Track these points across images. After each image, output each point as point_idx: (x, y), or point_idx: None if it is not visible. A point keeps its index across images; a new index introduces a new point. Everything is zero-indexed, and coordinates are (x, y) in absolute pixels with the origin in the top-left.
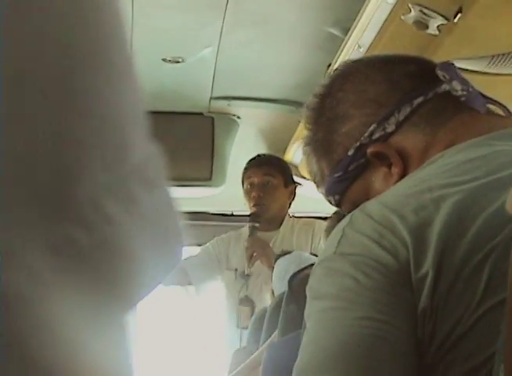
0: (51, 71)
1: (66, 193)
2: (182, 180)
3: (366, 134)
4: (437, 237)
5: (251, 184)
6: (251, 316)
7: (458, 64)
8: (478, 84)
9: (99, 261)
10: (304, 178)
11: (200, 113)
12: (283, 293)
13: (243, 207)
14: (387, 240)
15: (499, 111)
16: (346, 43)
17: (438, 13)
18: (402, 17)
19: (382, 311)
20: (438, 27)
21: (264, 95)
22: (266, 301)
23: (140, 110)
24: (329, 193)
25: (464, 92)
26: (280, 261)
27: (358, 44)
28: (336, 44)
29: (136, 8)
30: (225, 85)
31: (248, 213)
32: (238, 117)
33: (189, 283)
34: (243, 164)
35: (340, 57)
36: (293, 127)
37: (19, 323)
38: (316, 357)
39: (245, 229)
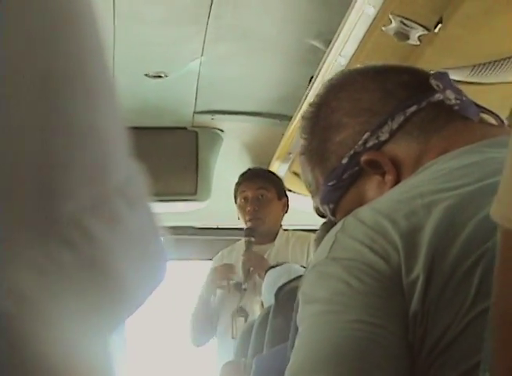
0: (32, 91)
1: (49, 212)
2: (167, 195)
3: (360, 142)
4: (428, 242)
5: (245, 198)
6: None
7: None
8: None
9: (84, 279)
10: (290, 190)
11: (184, 128)
12: (270, 306)
13: (228, 220)
14: (379, 245)
15: (492, 120)
16: (328, 55)
17: (419, 24)
18: (383, 28)
19: (374, 315)
20: (418, 37)
21: (247, 108)
22: (257, 312)
23: (121, 129)
24: (323, 202)
25: (458, 101)
26: (270, 272)
27: (339, 56)
28: (318, 56)
29: (118, 23)
30: (208, 99)
31: (233, 226)
32: (222, 131)
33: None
34: (228, 178)
35: (323, 69)
36: (276, 140)
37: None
38: (309, 360)
39: (239, 244)
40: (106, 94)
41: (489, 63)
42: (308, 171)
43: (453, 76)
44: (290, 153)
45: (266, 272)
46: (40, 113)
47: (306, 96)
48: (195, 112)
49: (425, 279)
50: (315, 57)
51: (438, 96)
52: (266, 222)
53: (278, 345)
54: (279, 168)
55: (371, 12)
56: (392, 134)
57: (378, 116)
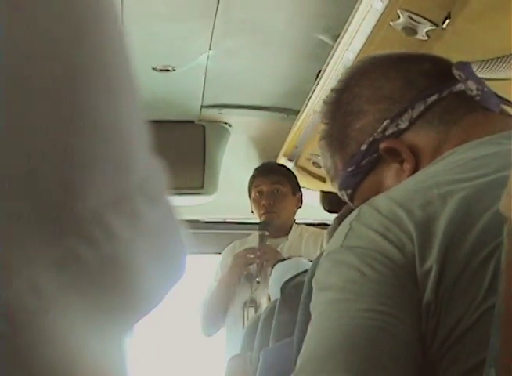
0: (54, 85)
1: (70, 208)
2: (174, 189)
3: (380, 129)
4: (442, 232)
5: (260, 192)
6: None
7: None
8: None
9: (104, 276)
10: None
11: (191, 122)
12: (276, 300)
13: (235, 214)
14: (394, 234)
15: None
16: (336, 50)
17: (427, 19)
18: (391, 23)
19: (386, 303)
20: (426, 32)
21: (255, 102)
22: (264, 305)
23: (142, 125)
24: (341, 188)
25: (479, 92)
26: (278, 266)
27: (347, 50)
28: (325, 51)
29: (126, 17)
30: (215, 93)
31: (240, 221)
32: (229, 125)
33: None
34: (235, 172)
35: (330, 64)
36: (284, 134)
37: (21, 337)
38: (320, 347)
39: (251, 237)
40: (129, 91)
41: (497, 58)
42: (328, 156)
43: None
44: (296, 148)
45: (274, 265)
46: (63, 109)
47: (313, 91)
48: (202, 106)
49: (438, 269)
50: (323, 52)
51: (460, 86)
52: (281, 216)
53: (284, 338)
54: (285, 162)
55: (379, 6)
56: (412, 122)
57: (398, 104)
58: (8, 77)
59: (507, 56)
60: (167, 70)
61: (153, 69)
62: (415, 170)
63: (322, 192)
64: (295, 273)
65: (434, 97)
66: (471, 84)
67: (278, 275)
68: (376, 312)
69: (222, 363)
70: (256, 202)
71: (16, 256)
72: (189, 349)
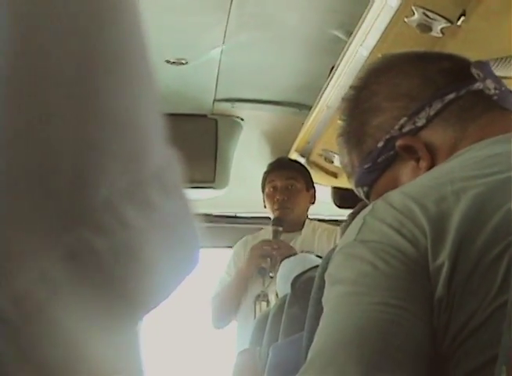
0: (72, 75)
1: (84, 197)
2: (186, 182)
3: (397, 127)
4: (455, 229)
5: (274, 187)
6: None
7: None
8: None
9: (116, 265)
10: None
11: (204, 115)
12: (286, 295)
13: (246, 209)
14: (407, 229)
15: None
16: (349, 45)
17: (442, 16)
18: (406, 20)
19: (399, 297)
20: (441, 29)
21: (267, 97)
22: (273, 302)
23: (159, 116)
24: (358, 185)
25: (497, 91)
26: (285, 263)
27: (361, 46)
28: (339, 46)
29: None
30: (228, 87)
31: (251, 215)
32: (241, 119)
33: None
34: (247, 166)
35: (344, 60)
36: (296, 129)
37: (30, 325)
38: (332, 340)
39: (263, 232)
40: (145, 81)
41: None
42: (345, 153)
43: None
44: (308, 143)
45: (281, 262)
46: (79, 99)
47: (327, 86)
48: (215, 100)
49: (451, 265)
50: (337, 47)
51: (478, 85)
52: (294, 211)
53: (293, 334)
54: (297, 157)
55: (394, 3)
56: (429, 120)
57: (416, 101)
58: (27, 68)
59: None
60: (181, 63)
61: (167, 62)
62: (431, 168)
63: (334, 188)
64: (302, 270)
65: (452, 95)
66: (489, 84)
67: (285, 271)
68: (389, 305)
69: (232, 356)
70: (270, 197)
71: (28, 245)
72: (199, 342)
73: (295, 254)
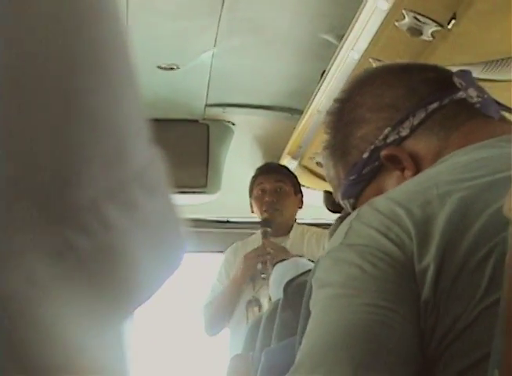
0: (52, 75)
1: (66, 197)
2: (177, 187)
3: (381, 137)
4: (440, 232)
5: (263, 190)
6: None
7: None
8: None
9: (99, 265)
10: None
11: (195, 121)
12: (279, 300)
13: (238, 213)
14: (394, 233)
15: None
16: (340, 50)
17: (432, 20)
18: (396, 24)
19: (387, 299)
20: (432, 33)
21: (259, 102)
22: (265, 306)
23: (141, 116)
24: (344, 197)
25: (479, 99)
26: (278, 267)
27: (352, 50)
28: (330, 51)
29: (131, 15)
30: (220, 92)
31: (243, 220)
32: (233, 124)
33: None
34: (238, 171)
35: (335, 64)
36: (287, 133)
37: (16, 324)
38: (321, 341)
39: (253, 237)
40: (127, 82)
41: (502, 59)
42: (331, 166)
43: None
44: (300, 147)
45: (274, 266)
46: (60, 100)
47: (318, 91)
48: (206, 105)
49: (436, 268)
50: (328, 51)
51: (461, 94)
52: (283, 214)
53: (286, 338)
54: (289, 162)
55: (384, 7)
56: (413, 130)
57: (400, 112)
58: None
59: None
60: (172, 68)
61: (158, 67)
62: None
63: (326, 192)
64: (295, 274)
65: (435, 105)
66: (472, 92)
67: (278, 275)
68: (378, 307)
69: (225, 362)
70: (258, 200)
71: (12, 245)
72: (192, 348)
73: (288, 254)
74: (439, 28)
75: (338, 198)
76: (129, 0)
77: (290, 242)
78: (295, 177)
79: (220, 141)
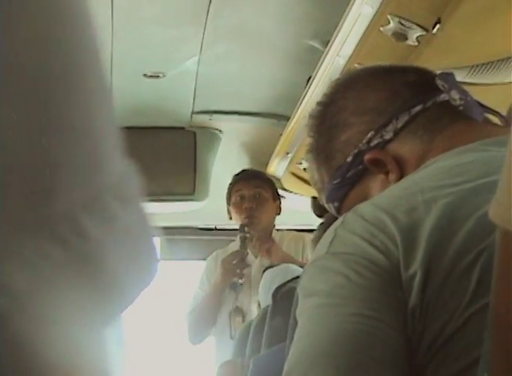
0: (29, 89)
1: (41, 208)
2: (165, 195)
3: (364, 141)
4: (426, 239)
5: (241, 196)
6: None
7: None
8: None
9: (75, 275)
10: (287, 191)
11: (182, 128)
12: (268, 306)
13: (226, 221)
14: (379, 240)
15: (497, 120)
16: (326, 55)
17: (417, 24)
18: (381, 29)
19: (373, 308)
20: (417, 38)
21: (245, 108)
22: (255, 312)
23: (114, 129)
24: (328, 201)
25: (462, 102)
26: (267, 273)
27: (338, 56)
28: (316, 56)
29: (116, 23)
30: (206, 99)
31: (232, 227)
32: (220, 131)
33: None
34: (226, 178)
35: (321, 70)
36: (275, 140)
37: None
38: (307, 352)
39: (233, 244)
40: (100, 93)
41: (487, 63)
42: (315, 169)
43: None
44: (288, 153)
45: (263, 272)
46: (33, 111)
47: (304, 96)
48: (193, 112)
49: (423, 275)
50: (313, 57)
51: (444, 97)
52: (262, 220)
53: (276, 344)
54: (277, 168)
55: (369, 12)
56: (396, 133)
57: (383, 115)
58: None
59: (497, 61)
60: (158, 76)
61: (144, 75)
62: (400, 180)
63: (314, 197)
64: (284, 279)
65: (419, 107)
66: (455, 94)
67: (267, 281)
68: (364, 316)
69: (211, 371)
70: (237, 206)
71: None
72: (178, 357)
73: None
74: (424, 33)
75: (322, 201)
76: (114, 8)
77: None
78: (273, 183)
79: (207, 148)
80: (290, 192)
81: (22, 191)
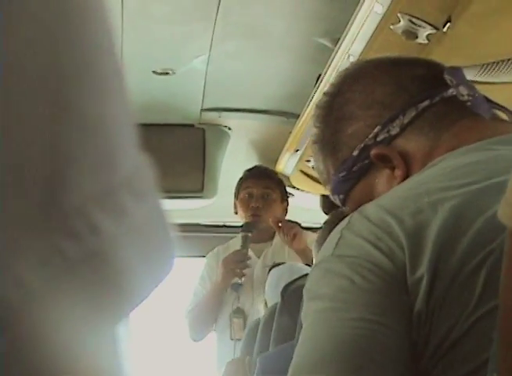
0: (41, 83)
1: (54, 204)
2: (174, 192)
3: (371, 135)
4: (433, 242)
5: (250, 194)
6: (244, 327)
7: None
8: None
9: (88, 271)
10: (296, 188)
11: (191, 125)
12: (276, 303)
13: (234, 218)
14: (384, 243)
15: (505, 117)
16: (336, 53)
17: (427, 23)
18: (391, 27)
19: (377, 312)
20: (427, 36)
21: (255, 106)
22: (259, 312)
23: (130, 122)
24: (334, 192)
25: (470, 98)
26: (273, 271)
27: (348, 54)
28: (326, 54)
29: (126, 20)
30: (215, 97)
31: (241, 224)
32: (229, 129)
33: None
34: (235, 175)
35: (330, 68)
36: (284, 137)
37: (6, 333)
38: (310, 357)
39: (233, 241)
40: (116, 87)
41: (498, 62)
42: (320, 160)
43: None
44: (297, 151)
45: (269, 271)
46: (48, 105)
47: (314, 94)
48: (202, 109)
49: (429, 278)
50: (323, 55)
51: (452, 92)
52: (266, 220)
53: (284, 343)
54: (286, 165)
55: (379, 10)
56: (403, 128)
57: (390, 110)
58: None
59: (508, 60)
60: (167, 73)
61: (153, 72)
62: (406, 176)
63: (323, 195)
64: (289, 278)
65: (426, 103)
66: (462, 90)
67: (273, 280)
68: (366, 321)
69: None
70: (244, 204)
71: (0, 252)
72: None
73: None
74: (434, 31)
75: (328, 192)
76: (124, 5)
77: (272, 249)
78: (283, 184)
79: (216, 145)
80: (300, 190)
81: (34, 186)
